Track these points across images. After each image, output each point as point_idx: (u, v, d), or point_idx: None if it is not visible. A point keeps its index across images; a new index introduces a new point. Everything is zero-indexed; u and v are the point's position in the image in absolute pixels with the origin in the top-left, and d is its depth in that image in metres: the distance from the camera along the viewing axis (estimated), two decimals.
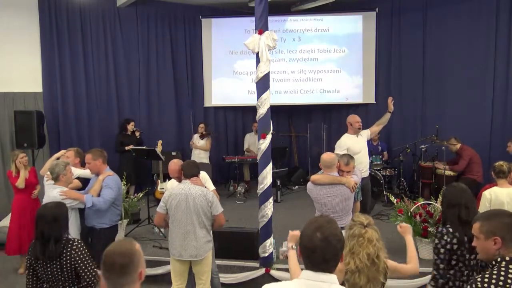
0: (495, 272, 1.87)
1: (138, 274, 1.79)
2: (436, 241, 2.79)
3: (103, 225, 3.97)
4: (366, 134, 5.42)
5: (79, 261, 2.72)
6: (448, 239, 2.72)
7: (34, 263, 2.76)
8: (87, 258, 2.76)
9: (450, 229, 2.75)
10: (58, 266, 2.71)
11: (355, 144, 5.17)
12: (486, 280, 1.86)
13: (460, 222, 2.73)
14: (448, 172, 6.64)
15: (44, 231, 2.69)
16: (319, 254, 1.60)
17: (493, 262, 1.94)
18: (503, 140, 7.13)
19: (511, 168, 3.87)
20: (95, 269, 2.77)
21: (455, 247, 2.71)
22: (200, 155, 7.89)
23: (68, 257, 2.70)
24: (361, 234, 2.30)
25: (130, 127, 7.69)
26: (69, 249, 2.71)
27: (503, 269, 1.86)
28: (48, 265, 2.71)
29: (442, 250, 2.74)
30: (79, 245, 2.76)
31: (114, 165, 7.66)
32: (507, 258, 1.88)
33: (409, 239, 2.71)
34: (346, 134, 5.33)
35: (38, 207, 5.07)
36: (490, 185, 4.28)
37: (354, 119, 5.31)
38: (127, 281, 1.76)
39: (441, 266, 2.74)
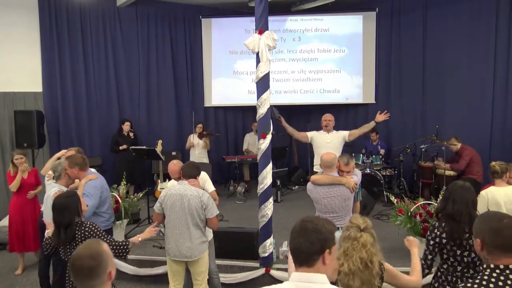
0: (477, 281, 1.83)
1: (107, 275, 1.79)
2: (428, 233, 2.90)
3: None
4: (342, 134, 5.42)
5: (95, 236, 2.91)
6: (438, 233, 2.79)
7: (57, 248, 3.05)
8: (100, 235, 2.94)
9: (443, 224, 2.81)
10: (74, 248, 2.84)
11: (320, 139, 5.39)
12: (469, 286, 1.83)
13: (448, 217, 2.78)
14: (448, 172, 6.64)
15: (56, 219, 2.91)
16: (295, 237, 1.64)
17: (481, 268, 1.91)
18: (503, 140, 7.14)
19: (507, 168, 3.87)
20: (114, 242, 2.98)
21: (444, 241, 2.77)
22: (201, 155, 7.88)
23: (82, 238, 2.88)
24: (356, 237, 2.29)
25: (125, 127, 7.65)
26: (82, 231, 2.90)
27: (485, 277, 1.82)
28: (68, 248, 2.93)
29: (431, 242, 2.83)
30: (91, 226, 2.96)
31: (110, 166, 7.67)
32: (492, 266, 1.83)
33: (415, 252, 2.68)
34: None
35: (36, 207, 5.09)
36: (489, 185, 4.28)
37: (323, 117, 5.56)
38: (96, 283, 1.76)
39: (429, 257, 2.84)
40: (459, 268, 2.77)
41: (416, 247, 2.70)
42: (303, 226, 1.64)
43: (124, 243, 3.01)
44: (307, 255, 1.61)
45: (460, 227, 2.72)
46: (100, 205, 3.94)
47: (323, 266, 1.61)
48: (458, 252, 2.74)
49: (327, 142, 5.29)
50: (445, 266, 2.83)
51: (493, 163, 3.90)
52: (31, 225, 5.03)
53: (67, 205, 2.92)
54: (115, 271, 1.89)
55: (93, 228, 2.95)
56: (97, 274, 1.75)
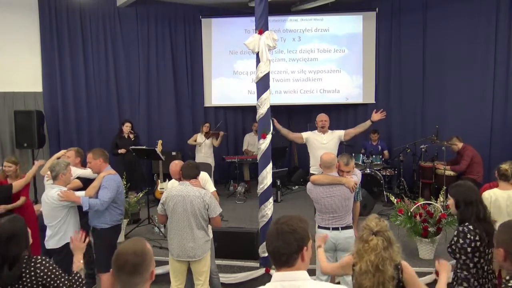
0: None
1: (149, 274, 1.79)
2: (461, 241, 2.77)
3: (103, 225, 3.96)
4: (338, 134, 5.33)
5: (48, 279, 2.41)
6: (472, 237, 2.74)
7: None
8: (57, 273, 2.45)
9: (471, 227, 2.77)
10: None
11: (314, 140, 5.28)
12: None
13: (478, 219, 2.79)
14: (448, 172, 6.63)
15: None
16: (272, 241, 1.66)
17: (504, 280, 1.85)
18: (503, 139, 7.14)
19: None
20: (69, 282, 2.53)
21: (478, 244, 2.74)
22: (207, 155, 7.86)
23: (31, 278, 2.36)
24: (367, 240, 2.33)
25: (125, 128, 7.31)
26: (32, 269, 2.36)
27: None
28: None
29: (469, 249, 2.74)
30: (43, 262, 2.41)
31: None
32: None
33: (443, 278, 2.49)
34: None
35: (29, 211, 4.89)
36: (489, 184, 4.27)
37: (318, 117, 5.41)
38: (138, 281, 1.75)
39: (471, 265, 2.75)
40: (485, 268, 2.78)
41: (446, 271, 2.52)
42: (279, 229, 1.66)
43: (76, 276, 2.59)
44: (287, 257, 1.64)
45: (491, 226, 2.78)
46: (116, 198, 4.02)
47: (302, 263, 1.67)
48: (487, 251, 2.76)
49: (323, 144, 5.18)
50: (474, 270, 2.78)
51: (504, 165, 3.80)
52: None
53: (15, 233, 2.29)
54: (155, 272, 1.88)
55: (47, 265, 2.40)
56: (140, 272, 1.74)
